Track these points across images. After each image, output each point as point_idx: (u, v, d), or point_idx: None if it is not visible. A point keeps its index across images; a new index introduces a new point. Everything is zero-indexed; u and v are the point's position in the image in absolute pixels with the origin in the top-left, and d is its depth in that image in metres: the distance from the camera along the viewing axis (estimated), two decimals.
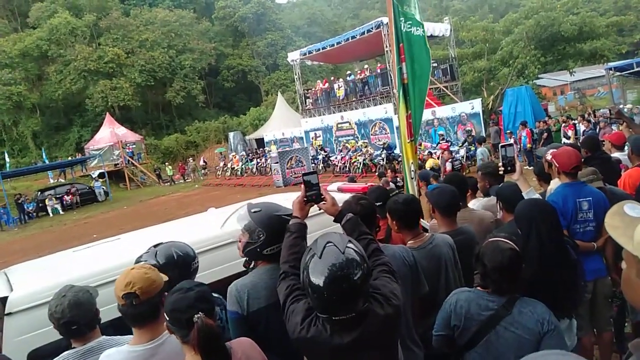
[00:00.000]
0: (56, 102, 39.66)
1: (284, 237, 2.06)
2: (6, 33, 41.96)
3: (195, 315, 1.60)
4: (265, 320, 2.11)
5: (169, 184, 31.17)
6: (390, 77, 22.60)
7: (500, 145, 3.28)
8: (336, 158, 22.17)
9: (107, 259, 3.16)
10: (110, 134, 33.22)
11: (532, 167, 9.41)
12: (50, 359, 2.18)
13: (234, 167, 27.76)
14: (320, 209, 2.21)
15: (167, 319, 1.71)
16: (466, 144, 16.69)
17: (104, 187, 28.59)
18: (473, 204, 3.70)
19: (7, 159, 33.45)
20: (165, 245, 2.43)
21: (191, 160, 34.96)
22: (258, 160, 27.06)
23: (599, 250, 3.36)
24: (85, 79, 39.32)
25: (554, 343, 2.03)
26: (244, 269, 2.39)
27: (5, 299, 2.59)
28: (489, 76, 27.93)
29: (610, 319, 3.61)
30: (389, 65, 22.52)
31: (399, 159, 18.00)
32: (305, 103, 29.01)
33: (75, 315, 2.06)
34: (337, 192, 5.67)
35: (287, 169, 21.27)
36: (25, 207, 24.79)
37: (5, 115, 38.02)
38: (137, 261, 2.35)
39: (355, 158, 20.44)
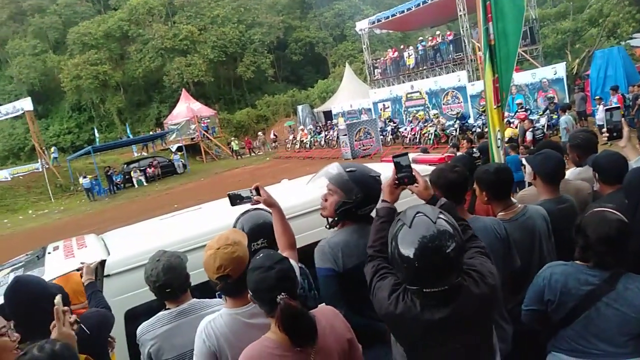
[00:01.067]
0: (137, 79, 42.03)
1: (373, 221, 2.00)
2: (91, 16, 44.82)
3: (278, 297, 1.60)
4: (358, 278, 2.08)
5: (241, 157, 32.20)
6: (464, 42, 21.46)
7: (605, 109, 2.99)
8: (406, 129, 21.63)
9: (193, 227, 3.30)
10: (186, 109, 34.71)
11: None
12: (145, 318, 2.31)
13: (302, 140, 28.04)
14: (412, 192, 2.09)
15: (250, 294, 1.73)
16: (547, 111, 15.56)
17: (182, 160, 30.12)
18: (568, 174, 3.42)
19: (97, 134, 36.15)
20: (252, 213, 2.49)
21: (261, 134, 35.77)
22: (326, 133, 27.09)
23: None
24: (163, 57, 41.19)
25: None
26: (328, 228, 2.37)
27: (103, 262, 2.79)
28: (574, 38, 25.63)
29: None
30: (463, 31, 21.36)
31: (473, 129, 17.24)
32: (374, 73, 28.41)
33: (169, 279, 2.16)
34: (414, 162, 5.51)
35: (356, 141, 21.12)
36: (114, 178, 26.80)
37: (93, 94, 40.93)
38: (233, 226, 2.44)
39: (427, 129, 19.81)
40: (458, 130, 18.30)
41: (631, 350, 1.96)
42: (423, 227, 1.53)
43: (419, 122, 20.90)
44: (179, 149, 31.24)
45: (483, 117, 16.13)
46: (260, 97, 43.34)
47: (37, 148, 30.36)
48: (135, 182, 27.36)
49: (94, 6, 47.38)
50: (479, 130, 15.25)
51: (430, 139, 19.16)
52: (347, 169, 2.23)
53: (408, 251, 1.51)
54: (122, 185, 27.35)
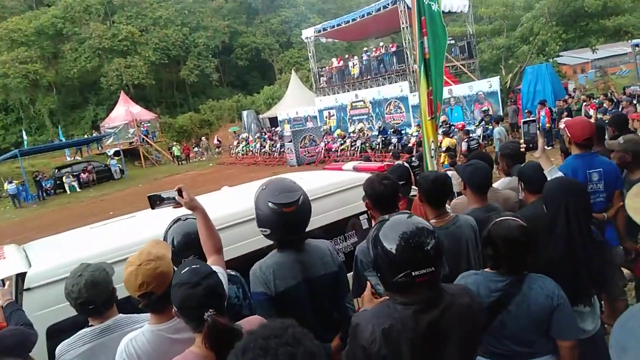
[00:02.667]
0: (72, 80, 39.86)
1: None
2: (22, 11, 42.09)
3: (206, 314, 1.55)
4: (292, 300, 2.12)
5: (184, 162, 31.38)
6: (406, 54, 22.18)
7: (522, 121, 3.22)
8: (333, 144, 21.35)
9: (124, 236, 3.18)
10: (125, 112, 33.41)
11: (550, 147, 9.13)
12: (70, 334, 2.18)
13: (248, 146, 27.60)
14: None
15: (176, 309, 1.67)
16: (483, 122, 16.41)
17: (120, 165, 28.89)
18: (497, 183, 3.63)
19: (25, 137, 33.92)
20: (183, 223, 2.43)
21: (204, 139, 35.04)
22: (269, 140, 26.86)
23: (609, 220, 3.38)
24: (100, 57, 39.42)
25: (564, 316, 2.04)
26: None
27: (24, 274, 2.62)
28: (507, 54, 27.25)
29: (623, 287, 3.62)
30: (405, 43, 22.08)
31: (404, 142, 17.78)
32: (320, 81, 28.71)
33: (92, 295, 2.05)
34: (354, 171, 5.62)
35: (301, 148, 21.21)
36: (43, 184, 25.22)
37: (22, 94, 38.39)
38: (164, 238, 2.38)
39: (352, 143, 19.98)
40: (381, 144, 18.91)
41: (539, 349, 2.09)
42: (401, 220, 1.64)
43: (344, 137, 21.11)
44: (116, 153, 29.97)
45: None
46: (204, 101, 42.51)
47: None
48: (67, 188, 25.89)
49: (25, 1, 44.54)
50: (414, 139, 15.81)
51: (357, 152, 19.13)
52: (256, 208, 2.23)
53: (392, 243, 1.56)
54: (52, 191, 25.81)
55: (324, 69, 29.09)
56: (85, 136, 35.82)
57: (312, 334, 1.41)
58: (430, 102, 3.63)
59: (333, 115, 25.94)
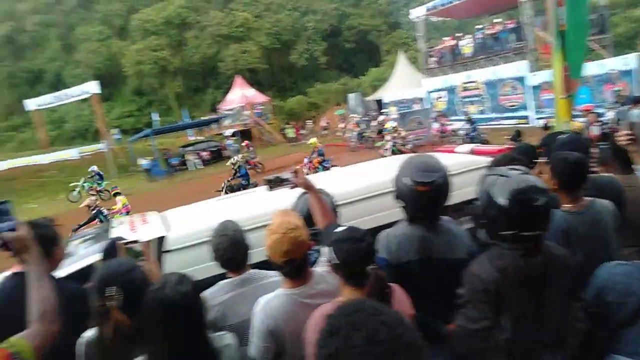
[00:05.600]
0: (194, 66, 43.32)
1: None
2: (153, 3, 46.49)
3: (369, 267, 1.70)
4: (413, 275, 2.13)
5: (293, 143, 32.55)
6: (526, 31, 20.55)
7: None
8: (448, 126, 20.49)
9: (247, 208, 3.42)
10: (240, 95, 35.41)
11: None
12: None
13: (352, 130, 27.77)
14: None
15: (337, 262, 1.78)
16: (617, 104, 14.69)
17: (236, 145, 30.84)
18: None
19: (156, 118, 37.70)
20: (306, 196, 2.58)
21: (309, 122, 35.91)
22: (376, 122, 26.76)
23: None
24: (219, 44, 42.17)
25: None
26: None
27: (163, 238, 2.93)
28: None
29: None
30: (524, 19, 20.45)
31: (473, 134, 16.61)
32: (429, 62, 27.80)
33: (234, 252, 2.30)
34: (471, 154, 5.44)
35: (408, 130, 20.84)
36: (171, 161, 27.90)
37: (153, 79, 42.63)
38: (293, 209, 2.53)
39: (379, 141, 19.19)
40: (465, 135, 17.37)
41: None
42: (517, 178, 1.75)
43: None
44: (233, 134, 31.99)
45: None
46: (313, 84, 43.51)
47: (101, 129, 32.06)
48: (190, 164, 28.34)
49: None
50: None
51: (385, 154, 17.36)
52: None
53: (504, 199, 1.71)
54: (178, 167, 28.42)
55: (433, 48, 28.07)
56: (206, 117, 38.80)
57: (433, 313, 1.54)
58: (565, 78, 3.38)
59: (442, 97, 25.02)
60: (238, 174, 15.35)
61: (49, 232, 2.28)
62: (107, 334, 1.75)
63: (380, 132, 20.57)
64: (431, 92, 25.68)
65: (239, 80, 37.35)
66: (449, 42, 26.42)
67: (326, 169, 14.76)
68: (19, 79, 48.52)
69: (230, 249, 2.28)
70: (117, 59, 44.28)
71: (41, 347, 1.59)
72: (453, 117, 21.76)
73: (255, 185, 13.38)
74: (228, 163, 16.53)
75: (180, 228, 3.16)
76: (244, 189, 13.87)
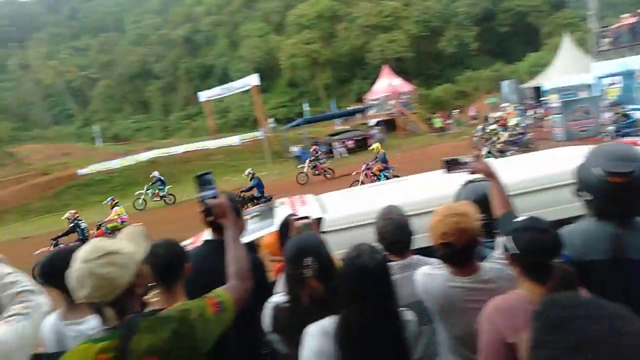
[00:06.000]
0: (343, 57, 44.83)
1: None
2: None
3: (553, 261, 1.60)
4: (594, 277, 1.92)
5: (437, 133, 31.87)
6: None
7: None
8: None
9: (398, 196, 3.39)
10: (386, 85, 35.71)
11: None
12: None
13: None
14: None
15: (516, 252, 1.67)
16: None
17: (381, 134, 31.32)
18: None
19: (307, 108, 40.06)
20: (474, 185, 2.61)
21: (456, 112, 34.60)
22: (535, 111, 24.81)
23: None
24: (367, 34, 42.90)
25: None
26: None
27: (320, 219, 3.05)
28: None
29: None
30: None
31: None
32: (600, 44, 24.59)
33: (399, 235, 2.36)
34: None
35: (571, 121, 18.94)
36: (319, 148, 29.50)
37: (305, 71, 45.26)
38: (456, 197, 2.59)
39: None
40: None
41: None
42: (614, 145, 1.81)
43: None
44: (377, 123, 32.50)
45: None
46: (461, 72, 41.79)
47: (259, 119, 35.26)
48: (336, 152, 29.63)
49: None
50: None
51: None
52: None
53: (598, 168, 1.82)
54: (325, 155, 29.91)
55: (607, 28, 24.73)
56: (351, 107, 40.00)
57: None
58: None
59: (616, 83, 21.99)
60: (251, 185, 14.56)
61: (237, 204, 2.49)
62: (304, 300, 1.88)
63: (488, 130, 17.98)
64: (602, 77, 22.76)
65: (385, 70, 37.61)
66: (627, 19, 23.02)
67: (387, 178, 13.51)
68: (193, 73, 55.77)
69: (395, 232, 2.32)
70: (274, 53, 48.03)
71: (239, 300, 1.78)
72: (631, 106, 19.09)
73: (270, 199, 12.45)
74: (244, 174, 15.94)
75: (336, 210, 3.29)
76: (257, 200, 13.69)
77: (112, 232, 11.61)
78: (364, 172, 14.72)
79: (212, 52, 55.63)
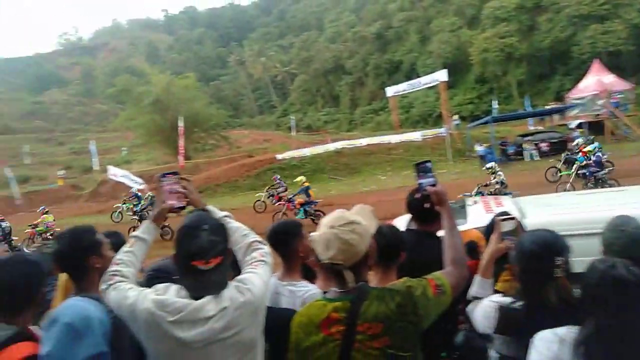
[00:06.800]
0: (542, 51, 40.93)
1: None
2: None
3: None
4: None
5: None
6: None
7: None
8: None
9: (606, 207, 3.21)
10: (595, 82, 31.45)
11: None
12: None
13: None
14: None
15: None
16: None
17: (583, 139, 27.81)
18: None
19: (496, 106, 37.87)
20: None
21: None
22: None
23: None
24: (575, 25, 38.32)
25: None
26: None
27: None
28: None
29: None
30: None
31: None
32: None
33: (635, 250, 1.98)
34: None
35: None
36: (507, 149, 27.73)
37: (497, 66, 42.70)
38: None
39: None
40: None
41: None
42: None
43: None
44: (579, 125, 28.97)
45: None
46: None
47: (444, 115, 34.65)
48: (527, 155, 27.43)
49: None
50: None
51: None
52: None
53: None
54: (513, 156, 27.96)
55: None
56: (549, 106, 36.32)
57: None
58: None
59: None
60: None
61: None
62: (552, 298, 1.83)
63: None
64: None
65: (596, 65, 33.15)
66: None
67: (307, 213, 14.56)
68: (382, 69, 57.48)
69: (630, 245, 2.03)
70: (464, 48, 46.43)
71: (456, 286, 1.80)
72: None
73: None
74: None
75: (537, 215, 3.30)
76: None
77: (41, 234, 16.03)
78: (285, 205, 15.32)
79: (402, 48, 56.46)
